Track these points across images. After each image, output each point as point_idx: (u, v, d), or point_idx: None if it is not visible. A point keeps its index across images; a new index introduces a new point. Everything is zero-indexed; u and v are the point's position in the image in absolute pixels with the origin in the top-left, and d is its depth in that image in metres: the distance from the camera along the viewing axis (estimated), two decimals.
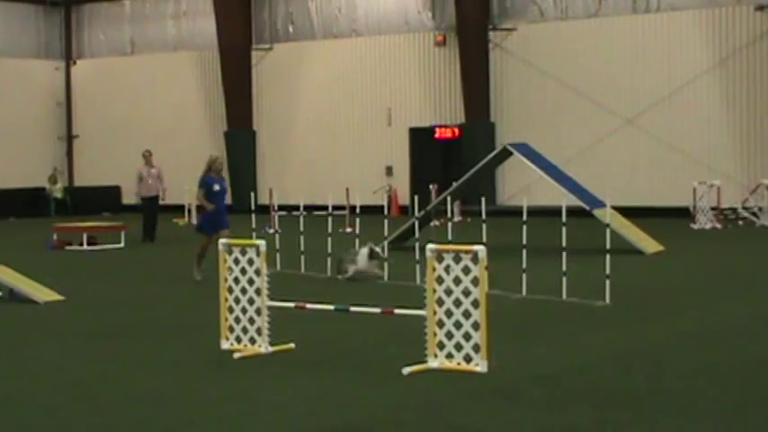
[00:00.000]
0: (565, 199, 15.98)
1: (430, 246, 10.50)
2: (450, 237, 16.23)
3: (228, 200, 24.90)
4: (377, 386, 9.78)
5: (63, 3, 42.92)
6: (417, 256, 16.37)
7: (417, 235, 17.94)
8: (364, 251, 17.52)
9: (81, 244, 25.19)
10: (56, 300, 15.79)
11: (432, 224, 23.21)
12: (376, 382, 9.92)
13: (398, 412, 8.88)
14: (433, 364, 10.34)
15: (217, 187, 18.03)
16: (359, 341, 12.11)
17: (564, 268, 14.65)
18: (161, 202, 26.79)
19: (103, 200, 40.42)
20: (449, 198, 19.39)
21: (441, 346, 10.35)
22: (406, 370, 10.16)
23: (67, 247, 25.14)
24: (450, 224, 17.04)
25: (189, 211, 33.55)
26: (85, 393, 9.75)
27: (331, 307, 11.98)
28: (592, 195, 21.67)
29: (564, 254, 14.67)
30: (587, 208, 20.93)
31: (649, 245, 21.42)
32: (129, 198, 31.71)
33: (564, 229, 14.76)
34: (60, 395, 9.71)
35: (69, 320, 14.26)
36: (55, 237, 25.84)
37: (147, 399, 9.47)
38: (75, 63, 43.21)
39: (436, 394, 9.42)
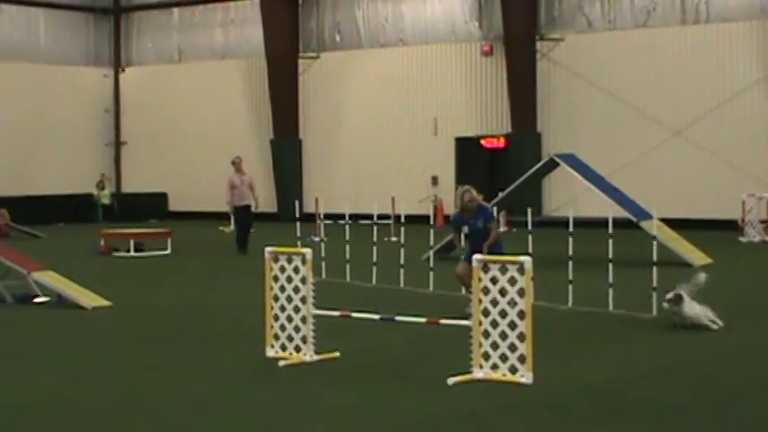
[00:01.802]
0: (612, 210, 15.88)
1: (476, 256, 10.46)
2: None
3: (274, 208, 25.09)
4: (421, 396, 9.75)
5: (112, 11, 43.27)
6: None
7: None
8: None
9: (128, 250, 25.34)
10: (103, 305, 15.89)
11: None
12: (421, 392, 9.89)
13: (443, 422, 8.85)
14: (478, 374, 10.30)
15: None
16: (404, 351, 12.08)
17: (610, 280, 14.55)
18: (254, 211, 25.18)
19: (150, 206, 40.69)
20: (495, 208, 19.30)
21: (486, 356, 10.31)
22: (451, 380, 10.13)
23: (114, 254, 25.31)
24: None
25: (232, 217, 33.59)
26: (131, 399, 9.79)
27: (377, 316, 11.97)
28: (639, 207, 21.53)
29: (610, 265, 14.57)
30: (634, 220, 20.79)
31: (697, 257, 21.24)
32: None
33: (610, 241, 14.67)
34: (107, 401, 9.75)
35: (116, 326, 14.33)
36: (102, 243, 26.02)
37: (191, 405, 9.50)
38: (123, 70, 43.53)
39: (481, 405, 9.37)
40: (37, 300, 16.25)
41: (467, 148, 36.07)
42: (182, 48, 42.26)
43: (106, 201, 40.52)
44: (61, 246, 27.97)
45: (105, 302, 16.01)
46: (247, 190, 24.78)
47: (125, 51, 43.63)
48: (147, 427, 8.75)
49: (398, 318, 11.78)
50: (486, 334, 10.29)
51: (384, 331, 12.83)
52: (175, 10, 42.25)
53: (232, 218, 32.16)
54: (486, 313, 10.29)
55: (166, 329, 13.98)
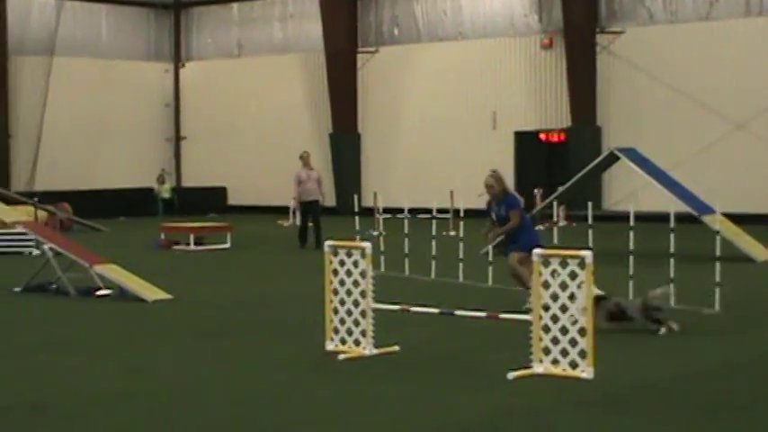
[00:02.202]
0: (673, 205, 15.74)
1: (536, 250, 10.41)
2: (555, 241, 16.09)
3: (333, 202, 25.16)
4: (481, 390, 9.72)
5: (173, 6, 43.58)
6: None
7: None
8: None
9: (188, 244, 25.51)
10: (164, 298, 16.01)
11: (536, 228, 23.02)
12: (480, 387, 9.86)
13: (503, 417, 8.82)
14: (538, 369, 10.25)
15: None
16: (463, 345, 12.05)
17: (672, 275, 14.42)
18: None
19: (210, 200, 40.95)
20: (554, 202, 19.23)
21: (546, 351, 10.26)
22: (511, 375, 10.09)
23: (175, 247, 25.49)
24: (555, 229, 16.89)
25: (293, 212, 33.75)
26: (192, 392, 9.84)
27: (436, 310, 11.95)
28: (701, 201, 21.31)
29: (672, 260, 14.44)
30: (696, 214, 20.59)
31: (761, 252, 21.00)
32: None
33: (672, 236, 14.53)
34: (168, 394, 9.81)
35: (177, 319, 14.43)
36: (162, 236, 26.22)
37: (252, 399, 9.53)
38: (183, 65, 43.83)
39: (541, 400, 9.33)
40: (99, 293, 16.40)
41: (526, 143, 35.93)
42: (241, 42, 42.47)
43: (166, 195, 40.83)
44: (122, 239, 28.22)
45: (166, 295, 16.13)
46: (314, 185, 24.54)
47: (185, 46, 43.94)
48: (208, 420, 8.80)
49: (458, 312, 11.75)
50: (547, 328, 10.24)
51: (443, 325, 12.82)
52: (235, 5, 42.45)
53: (295, 212, 32.37)
54: (546, 308, 10.24)
55: (226, 323, 14.06)
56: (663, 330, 12.57)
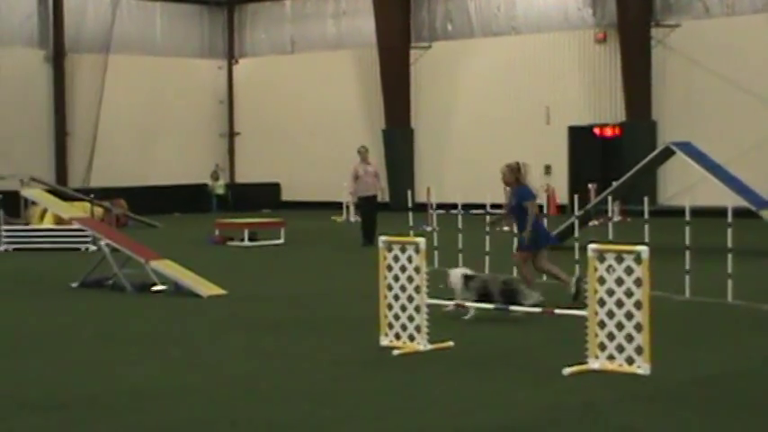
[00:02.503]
0: (730, 199, 15.58)
1: (592, 246, 10.34)
2: (610, 237, 15.98)
3: (386, 197, 25.13)
4: (536, 386, 9.67)
5: (226, 3, 43.78)
6: (577, 256, 16.16)
7: (577, 234, 17.71)
8: (458, 273, 13.96)
9: (242, 240, 25.62)
10: (218, 294, 16.08)
11: (591, 224, 22.90)
12: (535, 382, 9.81)
13: (558, 412, 8.77)
14: (593, 365, 10.18)
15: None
16: (518, 341, 12.00)
17: (729, 270, 14.28)
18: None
19: (263, 196, 41.11)
20: (609, 197, 19.11)
21: (602, 347, 10.19)
22: (567, 370, 10.03)
23: (229, 243, 25.61)
24: (610, 224, 16.77)
25: (347, 207, 33.82)
26: (246, 388, 9.87)
27: (491, 306, 11.90)
28: (758, 195, 21.08)
29: (730, 255, 14.30)
30: (754, 209, 20.36)
31: None
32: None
33: (729, 230, 14.39)
34: (222, 389, 9.85)
35: (231, 315, 14.49)
36: (217, 232, 26.34)
37: (306, 393, 9.55)
38: (237, 62, 44.02)
39: (597, 395, 9.26)
40: (155, 288, 16.51)
41: (580, 137, 35.73)
42: (294, 39, 42.58)
43: (220, 191, 41.04)
44: (177, 235, 28.39)
45: (221, 291, 16.20)
46: (372, 180, 24.33)
47: (239, 43, 44.13)
48: (264, 416, 8.82)
49: (512, 307, 11.70)
50: (602, 324, 10.17)
51: (498, 321, 12.77)
52: (288, 1, 42.57)
53: (351, 208, 32.38)
54: (601, 303, 10.17)
55: (281, 318, 14.09)
56: (471, 314, 12.97)
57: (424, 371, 10.40)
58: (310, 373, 10.47)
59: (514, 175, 14.95)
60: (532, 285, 14.34)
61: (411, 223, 19.89)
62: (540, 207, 16.51)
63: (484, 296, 13.13)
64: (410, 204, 20.47)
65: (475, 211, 21.57)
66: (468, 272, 13.88)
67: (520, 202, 14.78)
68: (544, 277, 15.47)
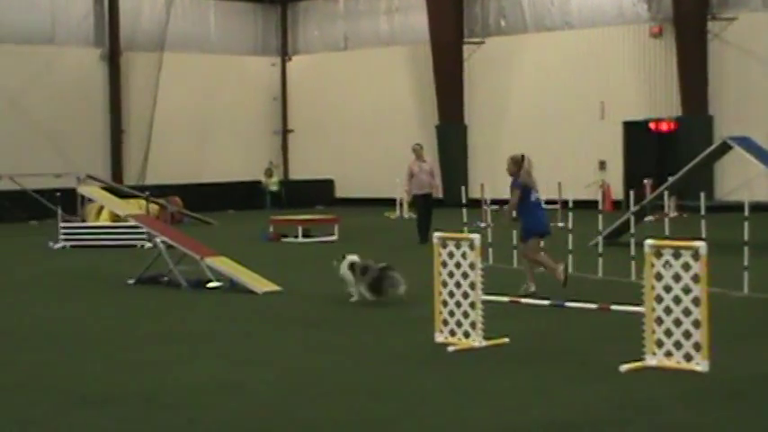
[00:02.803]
0: None
1: (648, 241, 10.25)
2: (666, 232, 15.84)
3: (440, 194, 25.06)
4: (593, 383, 9.60)
5: (280, 0, 43.90)
6: (633, 252, 16.05)
7: (633, 230, 17.59)
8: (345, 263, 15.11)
9: (296, 236, 25.68)
10: (273, 290, 16.13)
11: (646, 219, 22.73)
12: (592, 379, 9.74)
13: (615, 409, 8.70)
14: (651, 361, 10.09)
15: None
16: (574, 337, 11.93)
17: None
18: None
19: (317, 193, 41.20)
20: (665, 193, 18.95)
21: (659, 344, 10.10)
22: (624, 367, 9.95)
23: (283, 239, 25.68)
24: (666, 220, 16.64)
25: (400, 204, 33.81)
26: (303, 384, 9.89)
27: (546, 302, 11.85)
28: None
29: None
30: None
31: None
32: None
33: None
34: (278, 385, 9.87)
35: (286, 311, 14.53)
36: (271, 229, 26.43)
37: (362, 390, 9.55)
38: (290, 59, 44.14)
39: (654, 392, 9.18)
40: (210, 285, 16.59)
41: (635, 132, 35.46)
42: (347, 35, 42.62)
43: (274, 188, 41.16)
44: (232, 232, 28.51)
45: (276, 287, 16.25)
46: (427, 177, 24.02)
47: (292, 40, 44.25)
48: (320, 413, 8.83)
49: (568, 304, 11.64)
50: (660, 321, 10.08)
51: (553, 317, 12.71)
52: None
53: (404, 204, 32.36)
54: (659, 300, 10.08)
55: (336, 314, 14.11)
56: (354, 298, 14.57)
57: (479, 367, 10.37)
58: (366, 369, 10.47)
59: (517, 167, 15.90)
60: (555, 270, 15.14)
61: (465, 219, 19.85)
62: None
63: (371, 282, 14.61)
64: (464, 200, 20.42)
65: None
66: (357, 260, 15.05)
67: (512, 189, 15.65)
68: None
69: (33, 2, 36.94)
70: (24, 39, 36.60)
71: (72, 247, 24.74)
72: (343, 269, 14.98)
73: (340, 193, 42.17)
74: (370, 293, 14.61)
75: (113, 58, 38.64)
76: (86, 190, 23.11)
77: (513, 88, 37.85)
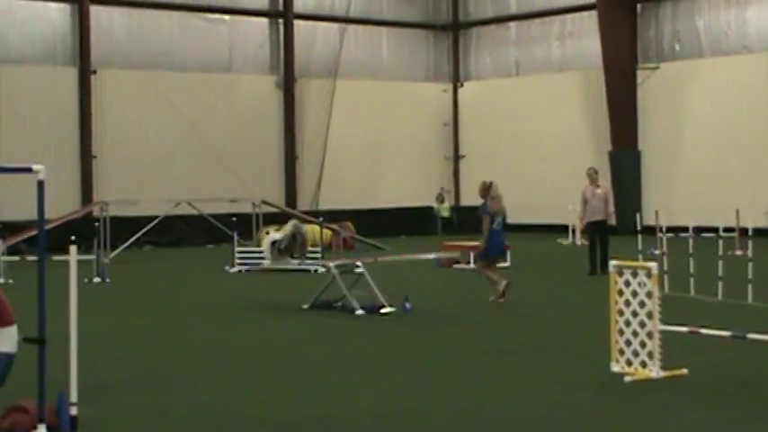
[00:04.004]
0: None
1: None
2: None
3: (612, 220, 24.53)
4: None
5: (451, 27, 44.11)
6: None
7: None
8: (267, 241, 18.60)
9: (468, 262, 25.66)
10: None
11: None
12: None
13: None
14: None
15: None
16: (757, 371, 11.58)
17: None
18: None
19: None
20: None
21: None
22: None
23: (455, 266, 25.68)
24: None
25: (572, 230, 33.50)
26: (474, 412, 9.85)
27: (727, 333, 11.56)
28: None
29: None
30: None
31: None
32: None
33: None
34: (454, 413, 9.86)
35: (459, 338, 14.51)
36: (443, 255, 26.43)
37: (534, 420, 9.46)
38: (462, 85, 44.24)
39: None
40: (383, 310, 16.71)
41: None
42: (519, 61, 42.52)
43: (445, 213, 41.26)
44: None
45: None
46: (599, 204, 23.02)
47: (463, 66, 44.37)
48: None
49: (751, 335, 11.32)
50: None
51: (734, 349, 12.37)
52: (513, 24, 42.56)
53: (577, 231, 31.89)
54: None
55: (507, 341, 14.04)
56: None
57: (657, 399, 10.18)
58: (540, 398, 10.38)
59: (485, 192, 18.86)
60: (497, 284, 18.05)
61: (640, 247, 19.55)
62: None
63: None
64: (638, 227, 20.11)
65: (706, 235, 21.07)
66: (277, 236, 17.94)
67: (480, 215, 18.56)
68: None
69: (212, 32, 37.95)
70: (203, 67, 37.64)
71: (247, 271, 25.24)
72: (265, 247, 18.31)
73: (511, 218, 41.77)
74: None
75: (288, 86, 39.40)
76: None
77: (689, 113, 37.12)
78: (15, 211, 30.93)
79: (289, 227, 18.11)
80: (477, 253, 18.95)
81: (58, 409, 8.81)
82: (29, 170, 8.46)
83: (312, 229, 24.86)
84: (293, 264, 18.62)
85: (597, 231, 23.11)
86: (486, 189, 18.82)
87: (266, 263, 18.49)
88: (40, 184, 8.48)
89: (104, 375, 11.77)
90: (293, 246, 17.81)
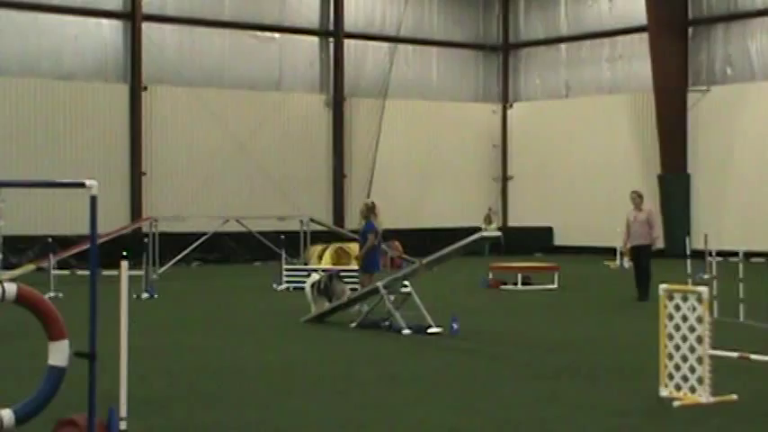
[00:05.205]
0: None
1: None
2: None
3: (662, 244, 24.34)
4: None
5: (501, 48, 44.11)
6: None
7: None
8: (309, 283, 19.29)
9: (515, 283, 25.61)
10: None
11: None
12: None
13: None
14: None
15: None
16: None
17: None
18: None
19: (535, 240, 41.01)
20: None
21: None
22: None
23: (502, 287, 25.64)
24: None
25: (620, 253, 33.31)
26: None
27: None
28: None
29: None
30: None
31: None
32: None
33: None
34: None
35: (505, 359, 14.48)
36: (490, 276, 26.43)
37: None
38: (511, 106, 44.22)
39: None
40: (431, 330, 16.70)
41: None
42: (569, 83, 42.45)
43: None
44: (450, 278, 28.60)
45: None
46: (641, 228, 22.50)
47: (513, 87, 44.36)
48: None
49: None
50: None
51: None
52: (563, 46, 42.51)
53: (622, 254, 31.65)
54: None
55: (555, 364, 13.97)
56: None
57: (707, 424, 10.09)
58: (589, 422, 10.32)
59: (369, 212, 19.90)
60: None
61: (689, 271, 19.42)
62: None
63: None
64: (687, 251, 19.98)
65: (756, 260, 20.89)
66: (315, 278, 19.10)
67: (364, 233, 19.64)
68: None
69: (262, 50, 38.19)
70: (253, 85, 37.88)
71: (294, 288, 25.29)
72: (307, 289, 19.04)
73: (559, 240, 41.86)
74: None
75: (337, 104, 39.55)
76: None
77: (740, 137, 36.88)
78: (66, 225, 31.25)
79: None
80: (360, 268, 20.13)
81: (108, 423, 8.88)
82: (82, 185, 8.53)
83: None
84: (329, 306, 18.83)
85: (639, 255, 22.76)
86: (371, 209, 20.03)
87: (310, 315, 18.91)
88: (93, 199, 8.53)
89: (153, 391, 11.84)
90: (330, 288, 18.84)
